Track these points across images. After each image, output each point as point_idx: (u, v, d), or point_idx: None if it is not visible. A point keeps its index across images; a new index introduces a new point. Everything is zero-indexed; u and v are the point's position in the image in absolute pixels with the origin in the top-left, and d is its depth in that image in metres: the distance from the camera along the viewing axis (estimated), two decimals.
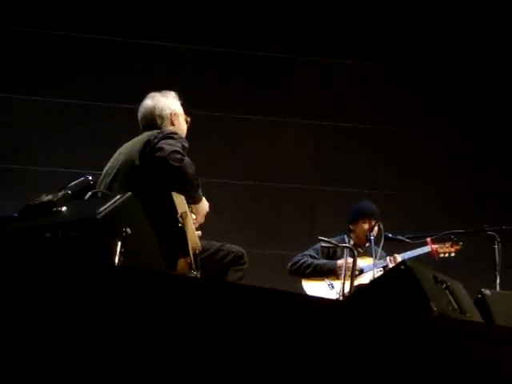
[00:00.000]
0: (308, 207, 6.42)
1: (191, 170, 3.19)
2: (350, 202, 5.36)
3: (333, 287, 4.81)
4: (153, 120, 3.48)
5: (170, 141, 3.22)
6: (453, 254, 4.82)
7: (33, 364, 1.84)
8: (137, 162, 3.24)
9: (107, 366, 1.88)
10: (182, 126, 3.53)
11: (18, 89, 5.94)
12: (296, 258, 4.95)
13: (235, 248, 3.57)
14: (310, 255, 4.95)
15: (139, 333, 1.93)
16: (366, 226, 4.92)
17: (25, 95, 5.97)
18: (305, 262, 4.89)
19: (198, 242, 3.29)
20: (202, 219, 3.44)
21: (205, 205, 3.42)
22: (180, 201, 3.19)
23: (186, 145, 3.30)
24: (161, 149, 3.15)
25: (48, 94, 5.99)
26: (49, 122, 5.96)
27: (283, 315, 2.06)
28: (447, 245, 4.83)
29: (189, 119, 3.61)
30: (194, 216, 3.35)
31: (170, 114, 3.51)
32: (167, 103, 3.53)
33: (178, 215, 3.17)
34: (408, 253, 4.76)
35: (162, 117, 3.49)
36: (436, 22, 6.46)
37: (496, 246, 4.39)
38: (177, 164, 3.12)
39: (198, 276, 3.21)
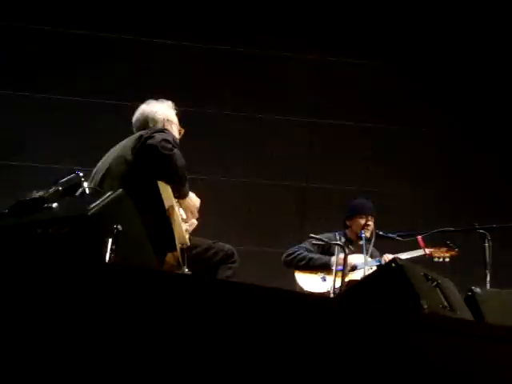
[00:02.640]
0: (301, 204, 6.42)
1: (180, 162, 3.21)
2: (343, 199, 5.37)
3: (325, 280, 4.85)
4: (146, 123, 3.51)
5: (162, 133, 3.27)
6: (447, 259, 4.85)
7: (20, 361, 1.84)
8: (129, 157, 3.26)
9: (97, 363, 1.88)
10: (173, 132, 3.53)
11: (10, 85, 5.92)
12: (292, 250, 4.99)
13: (226, 246, 3.58)
14: (306, 248, 4.99)
15: (130, 330, 1.93)
16: (363, 221, 4.96)
17: (20, 92, 5.95)
18: (300, 253, 4.94)
19: (186, 237, 3.29)
20: (192, 216, 3.44)
21: (193, 200, 3.42)
22: (167, 195, 3.19)
23: (177, 140, 3.32)
24: (152, 137, 3.20)
25: (44, 91, 5.98)
26: (40, 118, 5.94)
27: (274, 312, 2.06)
28: (442, 249, 4.85)
29: (182, 131, 3.62)
30: (182, 212, 3.35)
31: (164, 118, 3.53)
32: (162, 109, 3.55)
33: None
34: (403, 254, 4.78)
35: (154, 120, 3.51)
36: (434, 21, 6.46)
37: (486, 244, 4.41)
38: (166, 152, 3.14)
39: (187, 271, 3.21)
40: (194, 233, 3.52)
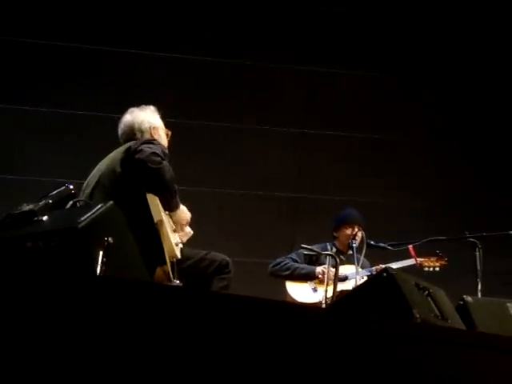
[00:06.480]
0: (292, 216, 6.43)
1: (169, 175, 3.19)
2: (333, 210, 5.37)
3: (316, 291, 4.86)
4: (133, 134, 3.49)
5: (151, 145, 3.25)
6: (437, 269, 4.87)
7: (11, 374, 1.82)
8: (118, 169, 3.25)
9: (88, 377, 1.87)
10: (161, 139, 3.53)
11: (2, 98, 5.91)
12: (278, 260, 5.03)
13: (220, 256, 3.56)
14: (293, 259, 5.01)
15: (121, 343, 1.92)
16: (349, 231, 4.97)
17: (9, 105, 5.94)
18: (286, 264, 4.97)
19: (176, 250, 3.28)
20: (182, 228, 3.42)
21: (183, 214, 3.41)
22: (156, 209, 3.18)
23: (166, 151, 3.31)
24: (140, 151, 3.18)
25: (32, 103, 5.96)
26: (29, 131, 5.93)
27: (267, 324, 2.05)
28: (432, 259, 4.88)
29: (169, 133, 3.62)
30: (173, 225, 3.34)
31: (149, 127, 3.52)
32: (146, 117, 3.54)
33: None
34: (394, 264, 4.78)
35: (141, 130, 3.50)
36: (429, 32, 6.48)
37: (477, 253, 4.43)
38: (154, 166, 3.13)
39: (178, 284, 3.20)
40: (187, 244, 3.50)
